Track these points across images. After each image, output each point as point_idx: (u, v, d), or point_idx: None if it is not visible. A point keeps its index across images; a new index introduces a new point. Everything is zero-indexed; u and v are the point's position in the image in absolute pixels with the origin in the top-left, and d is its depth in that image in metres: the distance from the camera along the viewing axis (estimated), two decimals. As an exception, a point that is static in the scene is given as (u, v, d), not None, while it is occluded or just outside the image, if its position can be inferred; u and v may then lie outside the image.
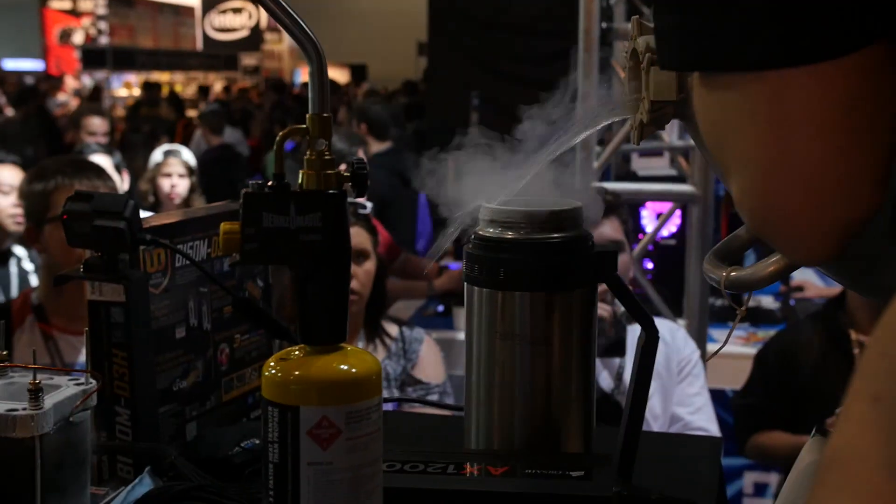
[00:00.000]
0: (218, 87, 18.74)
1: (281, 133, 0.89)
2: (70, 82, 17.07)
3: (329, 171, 0.88)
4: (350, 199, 0.90)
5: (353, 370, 0.87)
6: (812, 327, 3.12)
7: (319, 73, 0.89)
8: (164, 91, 15.53)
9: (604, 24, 3.44)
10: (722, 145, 0.65)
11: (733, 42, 0.61)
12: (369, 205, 2.86)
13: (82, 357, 2.47)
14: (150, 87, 14.34)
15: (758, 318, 4.34)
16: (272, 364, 0.88)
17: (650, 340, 1.08)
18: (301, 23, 0.88)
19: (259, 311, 1.25)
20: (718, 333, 4.21)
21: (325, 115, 0.89)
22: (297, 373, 0.87)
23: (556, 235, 1.08)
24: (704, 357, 2.95)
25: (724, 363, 3.75)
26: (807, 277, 4.55)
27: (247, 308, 1.23)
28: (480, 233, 1.11)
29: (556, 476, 1.02)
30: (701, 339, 3.53)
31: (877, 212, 0.62)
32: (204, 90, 16.12)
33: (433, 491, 1.00)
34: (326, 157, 0.88)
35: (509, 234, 1.09)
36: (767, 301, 4.55)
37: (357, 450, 0.86)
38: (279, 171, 0.88)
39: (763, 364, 3.17)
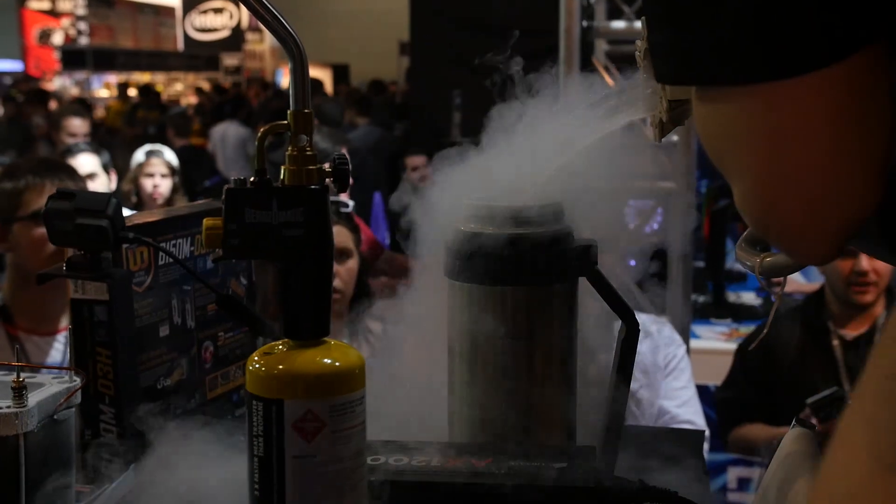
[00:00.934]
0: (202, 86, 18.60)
1: (262, 129, 0.90)
2: (48, 84, 16.93)
3: (311, 167, 0.89)
4: (332, 198, 0.91)
5: (337, 363, 0.88)
6: (792, 321, 3.15)
7: (301, 69, 0.89)
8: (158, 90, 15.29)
9: (584, 23, 3.45)
10: (720, 155, 0.67)
11: (723, 57, 0.62)
12: (351, 203, 2.86)
13: (50, 359, 2.44)
14: (146, 91, 14.13)
15: (740, 314, 4.37)
16: (256, 359, 0.89)
17: (631, 332, 1.09)
18: (282, 19, 0.89)
19: (243, 309, 1.25)
20: (701, 330, 4.23)
21: (306, 111, 0.90)
22: (281, 367, 0.87)
23: (535, 230, 1.09)
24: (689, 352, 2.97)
25: (707, 359, 3.77)
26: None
27: (231, 305, 1.23)
28: (461, 227, 1.11)
29: (538, 467, 1.02)
30: (684, 336, 3.55)
31: (874, 210, 0.63)
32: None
33: (417, 483, 1.01)
34: (308, 153, 0.89)
35: (490, 229, 1.09)
36: (749, 297, 4.57)
37: (341, 442, 0.87)
38: (261, 167, 0.89)
39: (744, 357, 3.19)
